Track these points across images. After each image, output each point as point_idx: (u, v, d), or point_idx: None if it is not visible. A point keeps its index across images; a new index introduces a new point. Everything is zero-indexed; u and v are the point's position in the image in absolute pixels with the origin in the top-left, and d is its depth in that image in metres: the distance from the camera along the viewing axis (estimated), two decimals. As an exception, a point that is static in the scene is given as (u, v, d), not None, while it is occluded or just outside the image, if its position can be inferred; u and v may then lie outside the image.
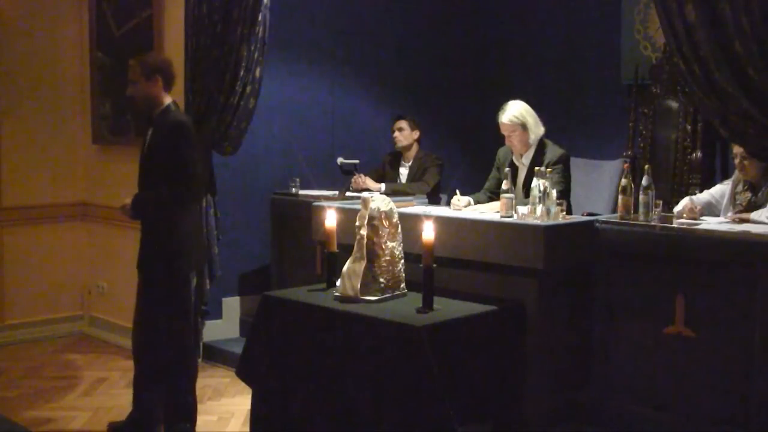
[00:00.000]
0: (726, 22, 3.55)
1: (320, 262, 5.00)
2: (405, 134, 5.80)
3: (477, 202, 4.60)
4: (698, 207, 4.06)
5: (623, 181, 4.00)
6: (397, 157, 5.92)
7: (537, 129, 4.59)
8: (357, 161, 5.70)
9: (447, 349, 3.43)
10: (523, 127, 4.55)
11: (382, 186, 5.59)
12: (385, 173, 5.89)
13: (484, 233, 3.96)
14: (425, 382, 3.32)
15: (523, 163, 4.64)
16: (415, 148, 5.84)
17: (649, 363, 3.78)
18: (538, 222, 3.83)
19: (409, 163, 5.84)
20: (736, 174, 4.24)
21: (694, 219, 3.98)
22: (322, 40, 6.13)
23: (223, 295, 5.72)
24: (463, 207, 4.46)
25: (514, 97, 4.70)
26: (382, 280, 3.77)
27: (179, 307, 4.14)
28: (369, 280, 3.75)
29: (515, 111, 4.57)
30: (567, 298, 3.94)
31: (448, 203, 4.83)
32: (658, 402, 3.75)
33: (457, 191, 4.56)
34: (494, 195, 4.59)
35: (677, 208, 4.11)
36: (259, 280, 5.76)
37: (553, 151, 4.58)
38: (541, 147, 4.61)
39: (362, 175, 5.66)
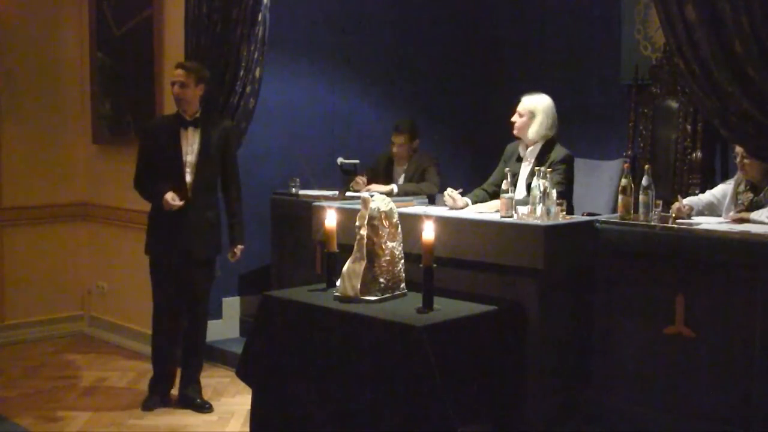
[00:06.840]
0: (726, 22, 3.54)
1: (320, 262, 5.00)
2: (404, 149, 5.79)
3: (475, 198, 4.60)
4: (687, 207, 4.04)
5: (623, 181, 4.00)
6: (392, 157, 5.91)
7: (542, 129, 4.55)
8: (357, 161, 5.68)
9: (447, 349, 3.43)
10: (531, 116, 4.55)
11: (394, 187, 5.56)
12: (380, 173, 5.87)
13: (484, 233, 3.95)
14: (425, 382, 3.31)
15: (528, 158, 4.61)
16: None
17: (649, 363, 3.78)
18: (538, 222, 3.83)
19: (405, 166, 5.82)
20: (738, 174, 4.23)
21: (683, 219, 3.97)
22: (322, 40, 6.13)
23: (223, 295, 5.72)
24: (458, 201, 4.45)
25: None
26: (382, 280, 3.77)
27: None
28: (369, 280, 3.75)
29: (535, 100, 4.57)
30: (567, 298, 3.94)
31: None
32: (658, 402, 3.75)
33: (449, 188, 4.55)
34: (499, 189, 4.57)
35: None
36: (259, 280, 5.76)
37: (558, 152, 4.54)
38: (548, 146, 4.58)
39: (365, 179, 5.63)
